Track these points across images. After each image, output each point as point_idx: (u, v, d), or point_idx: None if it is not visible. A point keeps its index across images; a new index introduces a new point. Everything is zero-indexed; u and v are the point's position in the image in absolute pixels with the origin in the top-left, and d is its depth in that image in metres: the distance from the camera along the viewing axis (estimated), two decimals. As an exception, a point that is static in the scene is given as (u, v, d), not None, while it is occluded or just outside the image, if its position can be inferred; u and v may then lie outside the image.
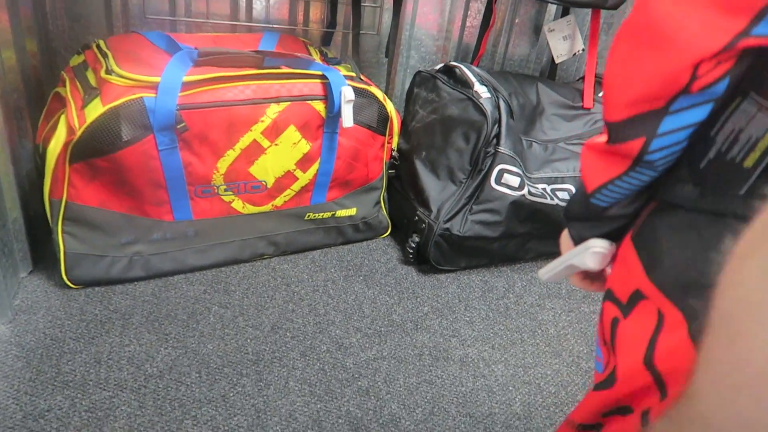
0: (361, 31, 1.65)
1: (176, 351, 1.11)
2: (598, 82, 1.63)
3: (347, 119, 1.27)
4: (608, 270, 0.54)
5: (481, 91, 1.39)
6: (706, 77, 0.36)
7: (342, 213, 1.45)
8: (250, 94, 1.20)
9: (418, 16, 1.73)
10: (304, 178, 1.34)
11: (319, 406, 1.05)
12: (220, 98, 1.18)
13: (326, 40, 1.64)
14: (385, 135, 1.42)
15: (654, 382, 0.46)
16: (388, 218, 1.56)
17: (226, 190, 1.27)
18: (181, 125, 1.14)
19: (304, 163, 1.32)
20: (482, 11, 1.72)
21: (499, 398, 1.12)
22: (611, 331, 0.52)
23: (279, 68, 1.26)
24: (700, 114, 0.38)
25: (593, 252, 0.49)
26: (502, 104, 1.37)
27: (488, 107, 1.36)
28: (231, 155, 1.23)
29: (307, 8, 1.64)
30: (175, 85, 1.12)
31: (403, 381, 1.13)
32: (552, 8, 1.84)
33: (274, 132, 1.25)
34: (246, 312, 1.23)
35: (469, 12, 1.78)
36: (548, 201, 1.40)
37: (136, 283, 1.26)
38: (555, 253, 0.55)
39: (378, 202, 1.52)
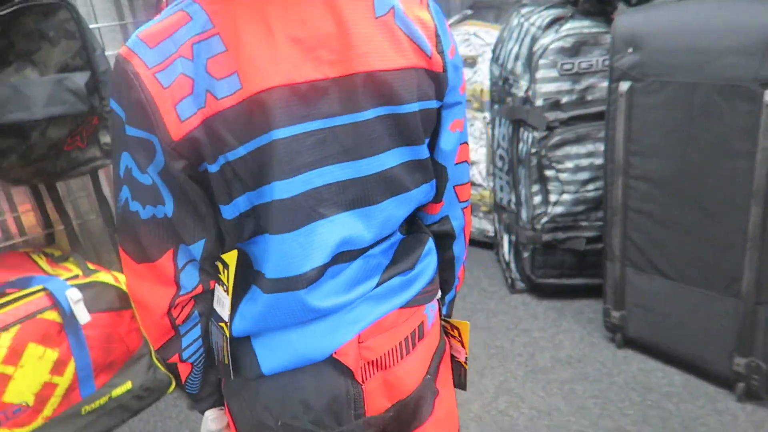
0: (79, 221, 1.77)
1: None
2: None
3: (82, 317, 1.38)
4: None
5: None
6: (180, 315, 0.64)
7: (118, 391, 1.53)
8: (-24, 335, 1.27)
9: (131, 186, 1.89)
10: (65, 380, 1.41)
11: None
12: (-55, 352, 1.22)
13: (50, 240, 1.73)
14: (131, 307, 1.55)
15: None
16: (168, 373, 1.67)
17: (-14, 429, 1.30)
18: None
19: (58, 368, 1.40)
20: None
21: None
22: None
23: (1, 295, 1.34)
24: (198, 330, 0.66)
25: (211, 419, 0.75)
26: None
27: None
28: (-22, 396, 1.27)
29: (18, 220, 1.71)
30: None
31: None
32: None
33: (14, 357, 1.32)
34: None
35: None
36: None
37: None
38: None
39: (151, 365, 1.62)
